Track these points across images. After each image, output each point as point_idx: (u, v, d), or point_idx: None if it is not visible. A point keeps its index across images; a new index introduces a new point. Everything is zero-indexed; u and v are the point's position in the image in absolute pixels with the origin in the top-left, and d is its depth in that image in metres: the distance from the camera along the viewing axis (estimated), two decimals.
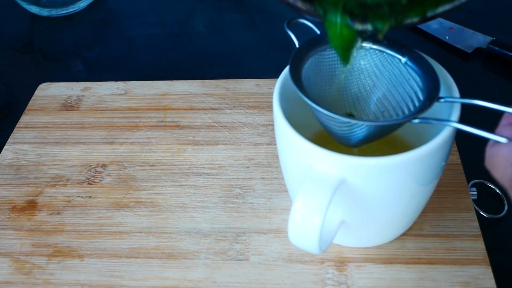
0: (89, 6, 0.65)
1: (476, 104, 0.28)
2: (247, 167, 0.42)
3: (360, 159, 0.28)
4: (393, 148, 0.31)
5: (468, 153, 0.40)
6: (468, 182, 0.39)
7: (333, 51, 0.32)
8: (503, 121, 0.26)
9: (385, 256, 0.35)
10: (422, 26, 0.56)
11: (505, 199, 0.39)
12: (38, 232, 0.39)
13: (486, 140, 0.25)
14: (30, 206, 0.41)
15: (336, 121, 0.29)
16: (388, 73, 0.32)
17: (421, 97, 0.30)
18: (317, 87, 0.32)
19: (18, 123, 0.48)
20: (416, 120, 0.28)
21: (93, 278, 0.36)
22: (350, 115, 0.33)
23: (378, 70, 0.33)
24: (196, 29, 0.61)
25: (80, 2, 0.64)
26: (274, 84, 0.33)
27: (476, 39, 0.54)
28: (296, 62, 0.31)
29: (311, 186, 0.29)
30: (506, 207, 0.39)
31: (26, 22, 0.65)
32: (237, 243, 0.37)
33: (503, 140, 0.24)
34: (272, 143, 0.43)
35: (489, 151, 0.24)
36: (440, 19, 0.57)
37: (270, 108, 0.33)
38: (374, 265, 0.35)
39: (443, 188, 0.38)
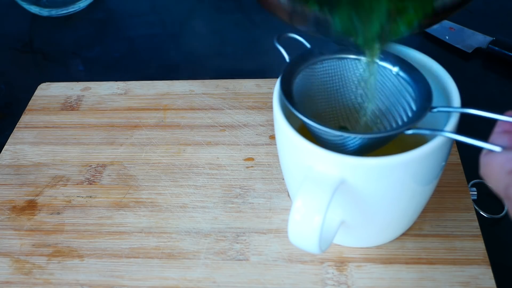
0: (89, 6, 0.65)
1: (469, 113, 0.28)
2: (247, 167, 0.42)
3: (360, 159, 0.28)
4: (394, 145, 0.31)
5: (468, 153, 0.40)
6: (468, 182, 0.39)
7: (324, 65, 0.33)
8: (497, 129, 0.25)
9: (385, 256, 0.35)
10: None
11: None
12: (38, 232, 0.39)
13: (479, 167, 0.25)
14: (30, 206, 0.41)
15: (329, 135, 0.30)
16: (381, 84, 0.33)
17: (414, 107, 0.30)
18: (310, 101, 0.32)
19: (18, 123, 0.48)
20: (410, 131, 0.29)
21: (93, 278, 0.36)
22: (343, 128, 0.33)
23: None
24: (196, 29, 0.61)
25: (80, 2, 0.64)
26: (274, 84, 0.33)
27: (476, 39, 0.54)
28: (287, 77, 0.31)
29: (311, 186, 0.29)
30: (506, 207, 0.39)
31: (26, 22, 0.65)
32: (237, 243, 0.37)
33: (497, 149, 0.24)
34: (272, 143, 0.43)
35: (483, 160, 0.24)
36: None
37: (270, 108, 0.33)
38: (374, 265, 0.35)
39: (443, 188, 0.38)
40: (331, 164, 0.29)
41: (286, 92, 0.30)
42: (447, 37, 0.54)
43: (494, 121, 0.26)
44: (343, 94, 0.33)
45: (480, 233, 0.36)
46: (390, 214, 0.33)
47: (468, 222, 0.36)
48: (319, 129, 0.29)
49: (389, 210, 0.32)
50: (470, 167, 0.40)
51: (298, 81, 0.32)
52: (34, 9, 0.64)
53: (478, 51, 0.53)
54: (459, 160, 0.40)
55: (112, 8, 0.66)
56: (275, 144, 0.36)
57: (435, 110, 0.30)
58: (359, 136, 0.29)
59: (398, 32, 0.29)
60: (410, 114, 0.30)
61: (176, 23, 0.63)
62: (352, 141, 0.30)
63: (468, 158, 0.40)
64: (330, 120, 0.34)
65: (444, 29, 0.56)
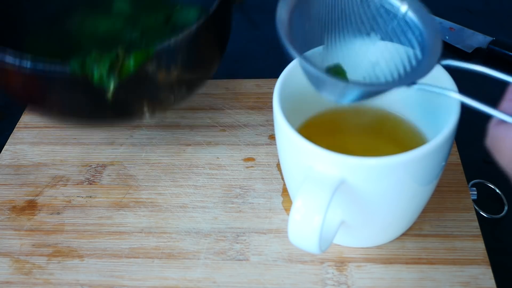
0: None
1: (478, 71, 0.25)
2: (247, 167, 0.42)
3: (360, 159, 0.28)
4: (394, 145, 0.31)
5: (468, 153, 0.40)
6: (468, 182, 0.39)
7: None
8: (509, 95, 0.22)
9: (385, 256, 0.35)
10: None
11: (505, 199, 0.39)
12: (38, 232, 0.39)
13: (486, 138, 0.23)
14: (30, 206, 0.41)
15: (328, 83, 0.27)
16: (385, 23, 0.30)
17: (420, 55, 0.27)
18: (307, 35, 0.30)
19: (18, 123, 0.48)
20: (416, 86, 0.26)
21: (93, 278, 0.36)
22: (338, 66, 0.31)
23: (373, 19, 0.30)
24: None
25: None
26: (274, 84, 0.33)
27: (476, 39, 0.54)
28: (284, 9, 0.29)
29: (311, 186, 0.29)
30: (506, 207, 0.39)
31: None
32: (237, 243, 0.37)
33: None
34: (272, 143, 0.43)
35: (493, 132, 0.21)
36: (439, 19, 0.57)
37: (270, 108, 0.33)
38: (374, 265, 0.35)
39: (443, 188, 0.38)
40: (331, 164, 0.29)
41: (283, 28, 0.28)
42: (447, 37, 0.54)
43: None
44: (342, 29, 0.31)
45: (480, 233, 0.36)
46: (390, 214, 0.33)
47: (468, 222, 0.36)
48: (317, 75, 0.26)
49: (389, 210, 0.32)
50: (470, 167, 0.40)
51: (295, 13, 0.29)
52: None
53: (478, 51, 0.53)
54: (459, 160, 0.40)
55: None
56: (275, 144, 0.36)
57: (443, 62, 0.27)
58: (359, 87, 0.27)
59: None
60: (414, 62, 0.27)
61: None
62: (350, 91, 0.27)
63: (468, 158, 0.40)
64: (327, 57, 0.31)
65: (444, 29, 0.56)
